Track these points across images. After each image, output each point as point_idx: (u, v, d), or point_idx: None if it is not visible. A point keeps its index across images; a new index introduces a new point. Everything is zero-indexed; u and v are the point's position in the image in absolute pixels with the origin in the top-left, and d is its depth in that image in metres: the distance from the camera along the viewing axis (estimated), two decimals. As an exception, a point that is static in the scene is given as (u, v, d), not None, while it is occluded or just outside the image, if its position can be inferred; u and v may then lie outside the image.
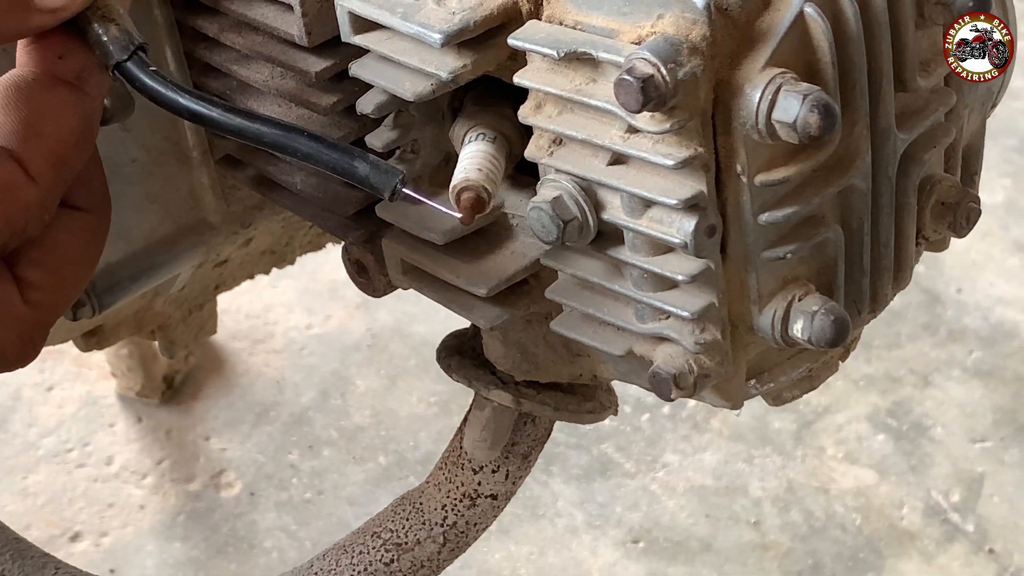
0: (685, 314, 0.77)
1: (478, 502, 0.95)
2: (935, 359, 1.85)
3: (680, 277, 0.76)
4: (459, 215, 0.79)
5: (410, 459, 1.73)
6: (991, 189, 2.09)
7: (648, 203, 0.76)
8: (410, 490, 0.97)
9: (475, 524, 0.96)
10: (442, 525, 0.95)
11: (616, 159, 0.76)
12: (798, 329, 0.77)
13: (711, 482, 1.71)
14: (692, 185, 0.74)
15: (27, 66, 0.71)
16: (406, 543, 0.96)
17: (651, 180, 0.75)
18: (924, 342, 1.87)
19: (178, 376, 1.82)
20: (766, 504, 1.68)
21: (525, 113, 0.79)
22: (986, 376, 1.82)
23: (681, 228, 0.75)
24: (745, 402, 0.86)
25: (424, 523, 0.95)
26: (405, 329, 1.91)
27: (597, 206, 0.78)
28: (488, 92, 0.86)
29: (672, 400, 0.79)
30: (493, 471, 0.95)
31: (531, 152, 0.79)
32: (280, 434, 1.78)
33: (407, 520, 0.96)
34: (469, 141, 0.84)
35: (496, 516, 0.96)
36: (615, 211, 0.77)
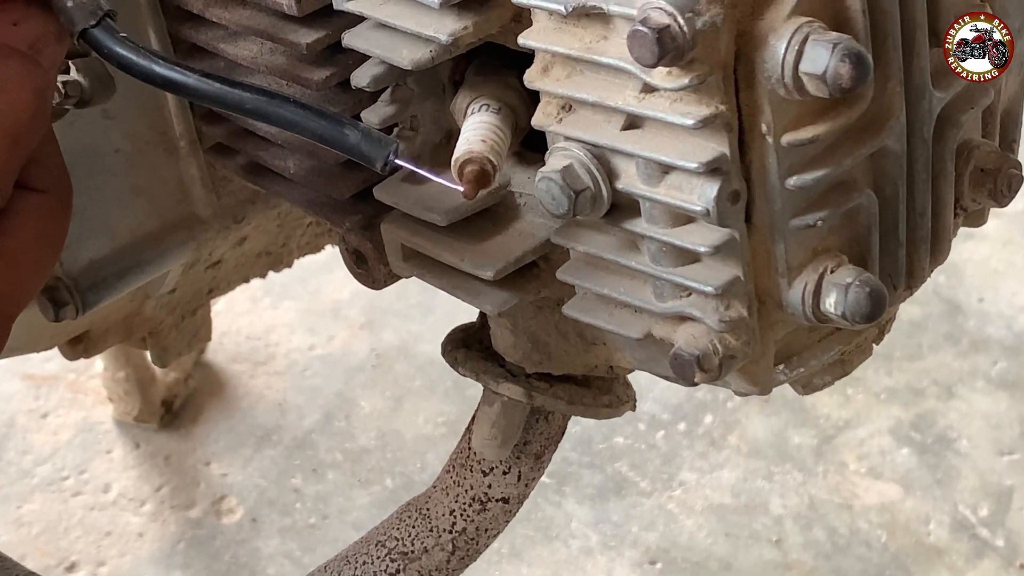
0: (708, 289, 0.73)
1: (489, 506, 0.91)
2: (958, 370, 1.83)
3: (702, 249, 0.72)
4: (462, 189, 0.74)
5: (417, 482, 1.70)
6: (1010, 196, 2.07)
7: (666, 169, 0.71)
8: (416, 496, 0.93)
9: (486, 530, 0.92)
10: (451, 532, 0.91)
11: (631, 123, 0.72)
12: (831, 303, 0.73)
13: (730, 500, 1.68)
14: (713, 147, 0.69)
15: None
16: (413, 552, 0.91)
17: (669, 143, 0.71)
18: (946, 353, 1.85)
19: (177, 400, 1.79)
20: (787, 522, 1.65)
21: (531, 77, 0.75)
22: (1011, 386, 1.80)
23: (702, 195, 0.70)
24: (775, 388, 0.81)
25: (432, 530, 0.91)
26: (411, 349, 1.89)
27: (611, 175, 0.74)
28: (492, 62, 0.82)
29: (696, 384, 0.74)
30: (504, 472, 0.91)
31: (539, 119, 0.75)
32: (283, 458, 1.76)
33: (413, 527, 0.92)
34: (472, 113, 0.80)
35: (508, 521, 0.92)
36: (630, 179, 0.73)
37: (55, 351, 1.73)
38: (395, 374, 1.86)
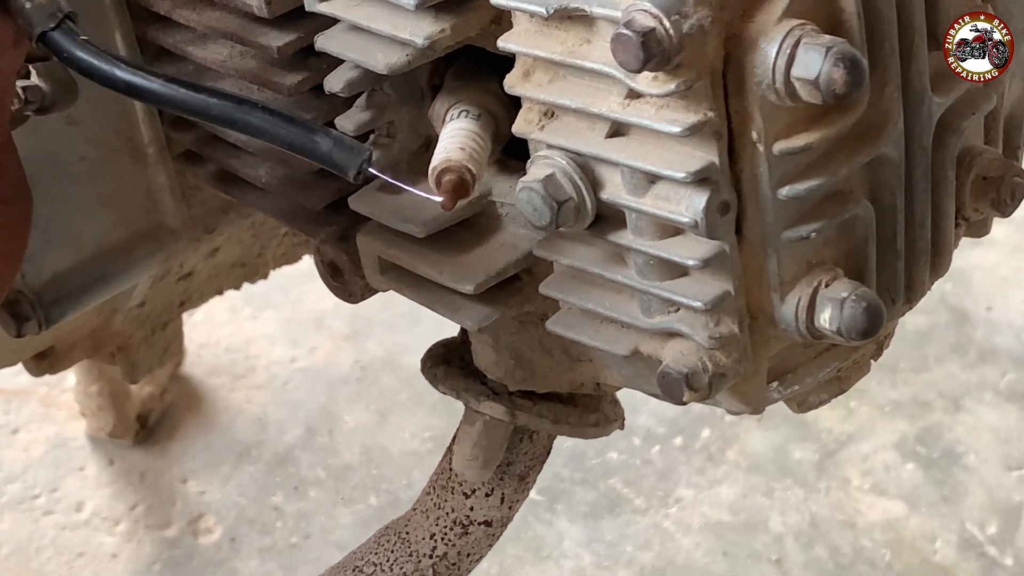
0: (697, 304, 0.72)
1: (471, 529, 0.91)
2: (966, 382, 1.81)
3: (690, 262, 0.72)
4: (439, 199, 0.74)
5: (403, 499, 1.68)
6: (1019, 201, 2.07)
7: (652, 178, 0.71)
8: (395, 519, 0.92)
9: (468, 555, 0.91)
10: (431, 556, 0.91)
11: (615, 130, 0.72)
12: (825, 319, 0.72)
13: (728, 517, 1.66)
14: (702, 156, 0.69)
15: None
16: None
17: (655, 152, 0.71)
18: (953, 364, 1.83)
19: (152, 415, 1.77)
20: (788, 540, 1.63)
21: (512, 82, 0.74)
22: (1021, 399, 1.78)
23: (690, 205, 0.70)
24: (767, 407, 0.80)
25: (411, 554, 0.91)
26: (396, 360, 1.87)
27: (595, 184, 0.74)
28: (472, 67, 0.82)
29: (684, 404, 0.73)
30: (487, 494, 0.91)
31: (520, 126, 0.75)
32: (263, 475, 1.73)
33: (392, 552, 0.92)
34: (451, 119, 0.80)
35: (491, 545, 0.91)
36: (615, 189, 0.73)
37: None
38: (380, 387, 1.84)
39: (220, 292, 1.13)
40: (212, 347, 1.89)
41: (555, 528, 1.66)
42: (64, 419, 1.80)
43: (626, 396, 1.75)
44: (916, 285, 0.79)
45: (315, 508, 1.69)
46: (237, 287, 1.15)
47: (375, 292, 0.88)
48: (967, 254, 1.91)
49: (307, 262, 2.00)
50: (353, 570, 0.91)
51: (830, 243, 0.74)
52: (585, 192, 0.73)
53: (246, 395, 1.84)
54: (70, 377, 1.74)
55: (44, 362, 1.07)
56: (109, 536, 1.67)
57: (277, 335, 1.92)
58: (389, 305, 1.92)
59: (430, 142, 0.82)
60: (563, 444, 1.73)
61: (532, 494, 1.68)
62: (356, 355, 1.89)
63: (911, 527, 1.63)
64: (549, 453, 0.92)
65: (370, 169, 0.70)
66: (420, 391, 1.82)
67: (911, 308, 0.80)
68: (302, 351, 1.90)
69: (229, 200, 0.97)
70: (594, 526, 1.66)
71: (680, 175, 0.69)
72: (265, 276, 1.15)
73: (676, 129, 0.68)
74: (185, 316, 1.87)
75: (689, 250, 0.71)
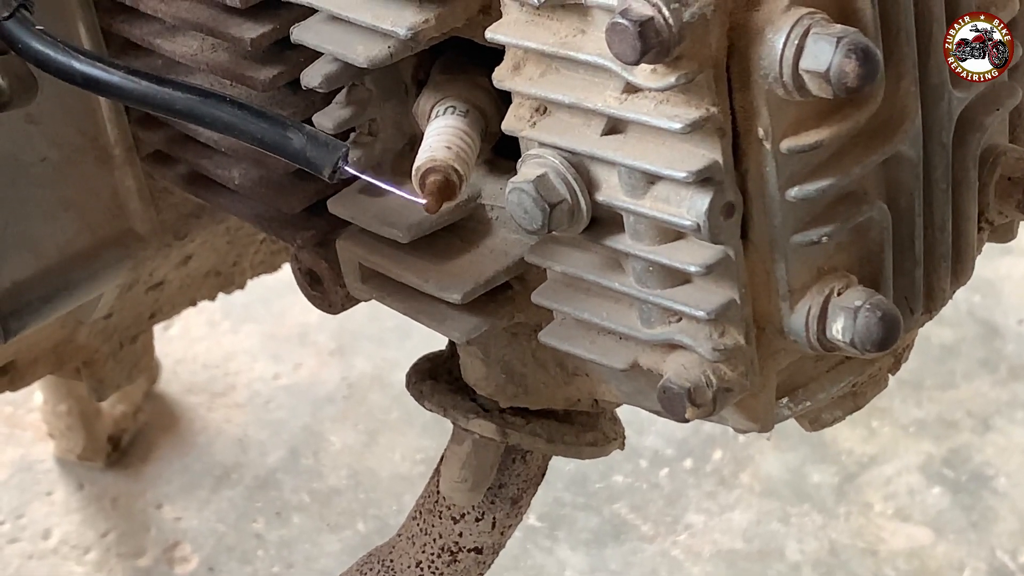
0: (700, 314, 0.72)
1: (459, 557, 0.91)
2: (995, 400, 1.80)
3: (693, 268, 0.72)
4: (423, 201, 0.73)
5: (392, 525, 1.68)
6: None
7: (651, 178, 0.72)
8: (379, 546, 0.92)
9: (456, 584, 0.90)
10: (416, 586, 0.90)
11: (612, 127, 0.72)
12: (838, 329, 0.73)
13: (741, 545, 1.66)
14: (704, 154, 0.69)
15: None
16: None
17: (654, 150, 0.71)
18: (982, 381, 1.83)
19: (125, 436, 1.77)
20: (805, 569, 1.62)
21: (501, 76, 0.75)
22: (1055, 418, 1.77)
23: (692, 207, 0.70)
24: (776, 425, 0.80)
25: (395, 584, 0.90)
26: (385, 377, 1.87)
27: (590, 185, 0.74)
28: (459, 60, 0.82)
29: (687, 421, 0.73)
30: (476, 519, 0.91)
31: (510, 123, 0.75)
32: (243, 500, 1.73)
33: (375, 581, 0.91)
34: (436, 116, 0.80)
35: (482, 574, 0.92)
36: (612, 191, 0.73)
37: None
38: (368, 406, 1.84)
39: (193, 303, 1.13)
40: (189, 363, 1.88)
41: (556, 556, 1.65)
42: (30, 440, 1.80)
43: (631, 414, 1.75)
44: (936, 293, 0.78)
45: (299, 535, 1.68)
46: (212, 298, 1.15)
47: (356, 302, 0.88)
48: (996, 264, 1.91)
49: (289, 271, 2.00)
50: (334, 600, 0.91)
51: (843, 248, 0.74)
52: (579, 193, 0.73)
53: (225, 414, 1.84)
54: (37, 395, 1.74)
55: (4, 378, 1.07)
56: (78, 566, 1.67)
57: (258, 350, 1.92)
58: (377, 318, 1.92)
59: (415, 141, 0.82)
60: (564, 467, 1.73)
61: (531, 520, 1.69)
62: (343, 371, 1.89)
63: (937, 555, 1.63)
64: (544, 475, 0.92)
65: (347, 168, 0.70)
66: (411, 410, 1.81)
67: (931, 318, 0.80)
68: (285, 367, 1.90)
69: (201, 204, 0.97)
70: (597, 554, 1.65)
71: (681, 175, 0.69)
72: (242, 286, 1.16)
73: (676, 125, 0.68)
74: (160, 330, 1.87)
75: (691, 256, 0.71)
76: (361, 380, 1.88)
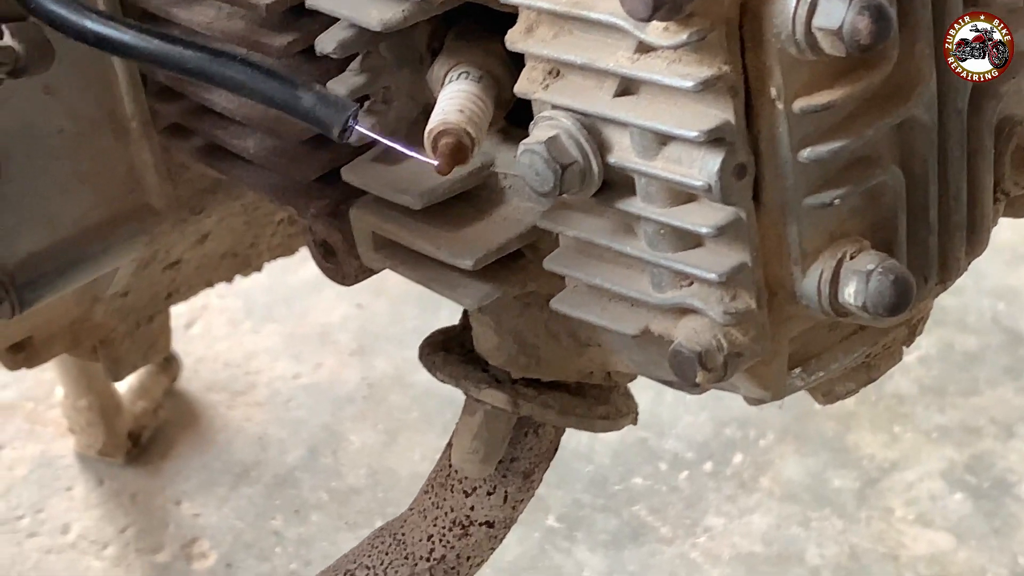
0: (711, 276, 0.72)
1: (471, 531, 0.90)
2: (1019, 407, 1.79)
3: (704, 230, 0.71)
4: (435, 162, 0.73)
5: (411, 525, 1.68)
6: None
7: (663, 139, 0.71)
8: (390, 520, 0.91)
9: (468, 558, 0.91)
10: (428, 559, 0.90)
11: (624, 88, 0.72)
12: (850, 293, 0.72)
13: (761, 549, 1.65)
14: (716, 113, 0.69)
15: None
16: None
17: (666, 111, 0.71)
18: (1006, 388, 1.82)
19: (145, 432, 1.77)
20: (825, 573, 1.61)
21: (514, 38, 0.74)
22: (1079, 426, 1.76)
23: (704, 168, 0.70)
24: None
25: (407, 557, 0.90)
26: (406, 378, 1.86)
27: (602, 147, 0.73)
28: (474, 28, 0.81)
29: (697, 385, 0.72)
30: (488, 493, 0.90)
31: (522, 86, 0.75)
32: (262, 497, 1.73)
33: (386, 555, 0.91)
34: (450, 81, 0.79)
35: (493, 549, 0.91)
36: (624, 152, 0.73)
37: (11, 377, 1.72)
38: (388, 406, 1.84)
39: (210, 284, 1.13)
40: (210, 362, 1.89)
41: (574, 558, 1.65)
42: (51, 436, 1.80)
43: (652, 418, 1.75)
44: (951, 263, 0.78)
45: (317, 533, 1.68)
46: (229, 279, 1.15)
47: (369, 274, 0.88)
48: (1021, 271, 1.90)
49: (312, 272, 2.00)
50: (345, 573, 0.90)
51: (856, 213, 0.73)
52: (591, 155, 0.72)
53: (245, 412, 1.84)
54: (58, 390, 1.74)
55: (20, 354, 1.07)
56: (97, 560, 1.67)
57: (279, 350, 1.92)
58: (398, 319, 1.92)
59: (428, 110, 0.81)
60: (584, 468, 1.73)
61: (550, 520, 1.68)
62: (363, 372, 1.89)
63: (959, 561, 1.62)
64: (556, 450, 0.91)
65: (357, 127, 0.69)
66: (431, 411, 1.82)
67: (945, 289, 0.79)
68: (306, 367, 1.90)
69: (217, 180, 0.97)
70: (616, 556, 1.64)
71: (693, 134, 0.68)
72: (259, 268, 1.15)
73: (688, 83, 0.67)
74: (181, 329, 1.88)
75: (703, 217, 0.71)
76: (381, 380, 1.87)
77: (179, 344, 1.85)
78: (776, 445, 1.75)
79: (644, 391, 1.75)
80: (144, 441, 1.79)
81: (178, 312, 1.46)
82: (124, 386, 1.75)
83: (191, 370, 1.85)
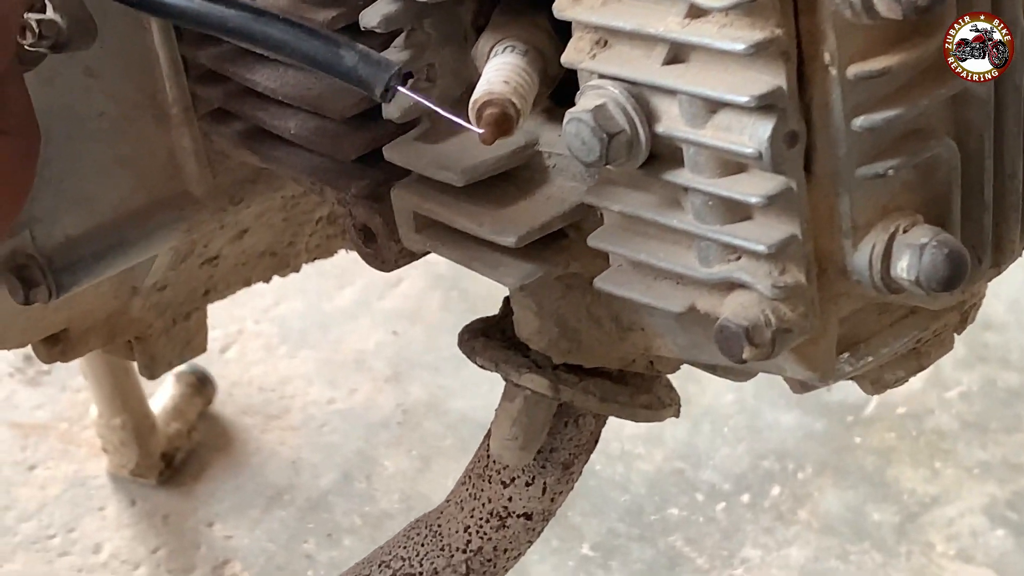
0: (760, 248, 0.69)
1: (508, 522, 0.88)
2: (1062, 444, 1.78)
3: (753, 200, 0.69)
4: (480, 131, 0.71)
5: (444, 550, 1.66)
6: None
7: (713, 107, 0.69)
8: (427, 512, 0.89)
9: (504, 550, 0.89)
10: (464, 551, 0.88)
11: (674, 56, 0.70)
12: (903, 267, 0.69)
13: (799, 581, 1.63)
14: (767, 79, 0.67)
15: None
16: (421, 574, 0.88)
17: (716, 77, 0.69)
18: (1049, 424, 1.80)
19: (179, 454, 1.77)
20: (864, 608, 1.60)
21: (562, 6, 0.73)
22: (1123, 464, 1.74)
23: (754, 135, 0.68)
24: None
25: (443, 548, 0.88)
26: (440, 405, 1.86)
27: (650, 117, 0.72)
28: (519, 4, 0.80)
29: (745, 361, 0.70)
30: (527, 484, 0.88)
31: (569, 56, 0.73)
32: (295, 520, 1.73)
33: (422, 546, 0.89)
34: (496, 55, 0.77)
35: (531, 542, 0.89)
36: (672, 121, 0.71)
37: (45, 397, 1.71)
38: (423, 432, 1.83)
39: (248, 283, 1.11)
40: (245, 386, 1.89)
41: (609, 586, 1.63)
42: (84, 456, 1.81)
43: (689, 449, 1.73)
44: (1005, 244, 0.75)
45: (349, 557, 1.66)
46: (267, 280, 1.13)
47: (410, 260, 0.86)
48: (1065, 306, 1.90)
49: (347, 299, 2.00)
50: (380, 565, 0.88)
51: (909, 187, 0.71)
52: (639, 124, 0.70)
53: (279, 436, 1.84)
54: (92, 410, 1.74)
55: (56, 347, 1.05)
56: (127, 580, 1.66)
57: (314, 375, 1.92)
58: (434, 347, 1.92)
59: (472, 88, 0.80)
60: (620, 498, 1.71)
61: (585, 549, 1.67)
62: (398, 398, 1.89)
63: (1000, 597, 1.59)
64: (597, 442, 0.89)
65: (399, 88, 0.68)
66: (465, 437, 1.81)
67: (999, 272, 0.77)
68: (341, 392, 1.90)
69: (257, 170, 0.96)
70: (652, 586, 1.63)
71: (743, 99, 0.66)
72: (297, 269, 1.14)
73: (740, 47, 0.65)
74: (216, 353, 1.87)
75: (752, 187, 0.69)
76: (416, 407, 1.87)
77: (214, 368, 1.84)
78: (815, 478, 1.73)
79: (680, 423, 1.74)
80: (177, 462, 1.79)
81: (213, 337, 1.46)
82: (158, 407, 1.75)
83: (226, 393, 1.85)
